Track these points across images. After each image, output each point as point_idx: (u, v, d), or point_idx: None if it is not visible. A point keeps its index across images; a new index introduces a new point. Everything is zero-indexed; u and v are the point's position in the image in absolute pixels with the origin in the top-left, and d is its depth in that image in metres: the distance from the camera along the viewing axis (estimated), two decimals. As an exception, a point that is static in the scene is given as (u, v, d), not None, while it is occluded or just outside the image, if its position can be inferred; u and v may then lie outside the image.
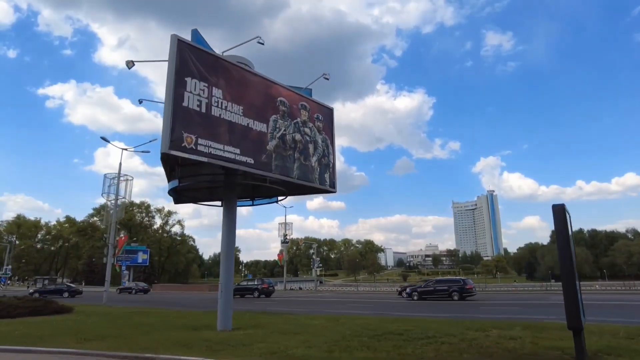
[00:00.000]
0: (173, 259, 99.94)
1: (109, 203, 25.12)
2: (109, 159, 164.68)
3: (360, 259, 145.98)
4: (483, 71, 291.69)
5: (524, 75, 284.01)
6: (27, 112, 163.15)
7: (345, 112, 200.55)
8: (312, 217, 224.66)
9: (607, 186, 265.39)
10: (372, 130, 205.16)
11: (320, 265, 68.66)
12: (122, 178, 25.36)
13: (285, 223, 46.56)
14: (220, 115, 10.13)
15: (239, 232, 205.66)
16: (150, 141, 27.64)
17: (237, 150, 10.24)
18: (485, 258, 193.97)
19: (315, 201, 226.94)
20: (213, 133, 9.86)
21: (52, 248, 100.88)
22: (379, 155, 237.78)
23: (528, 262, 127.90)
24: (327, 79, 13.24)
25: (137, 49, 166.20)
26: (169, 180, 11.73)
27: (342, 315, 14.41)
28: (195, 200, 13.61)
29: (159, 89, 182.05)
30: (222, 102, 10.23)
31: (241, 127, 10.49)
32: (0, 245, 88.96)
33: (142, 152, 26.41)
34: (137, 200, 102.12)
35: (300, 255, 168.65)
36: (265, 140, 10.98)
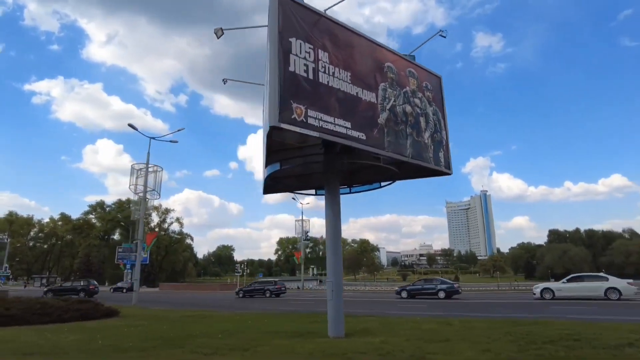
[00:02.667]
0: (171, 257, 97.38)
1: (137, 195, 23.17)
2: (98, 156, 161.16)
3: (359, 258, 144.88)
4: (473, 72, 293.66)
5: (514, 76, 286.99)
6: (13, 108, 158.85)
7: None
8: (304, 217, 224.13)
9: (594, 187, 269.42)
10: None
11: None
12: (150, 169, 23.44)
13: (303, 220, 44.92)
14: (328, 82, 8.57)
15: (229, 231, 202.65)
16: (177, 130, 25.82)
17: (348, 124, 8.66)
18: (480, 257, 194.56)
19: (305, 199, 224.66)
20: (322, 104, 8.31)
21: (45, 246, 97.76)
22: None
23: (527, 261, 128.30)
24: (444, 36, 11.67)
25: (126, 45, 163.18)
26: (265, 166, 10.04)
27: (437, 318, 12.90)
28: (288, 188, 12.00)
29: (149, 86, 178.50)
30: (329, 68, 8.66)
31: (350, 97, 8.92)
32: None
33: (171, 142, 24.43)
34: (123, 198, 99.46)
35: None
36: (375, 112, 9.39)
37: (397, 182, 11.72)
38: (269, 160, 9.89)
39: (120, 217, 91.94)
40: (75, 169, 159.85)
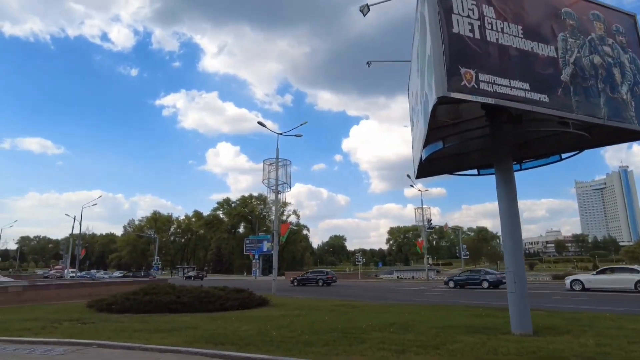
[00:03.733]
0: (290, 247, 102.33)
1: (270, 189, 24.19)
2: (218, 158, 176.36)
3: (479, 247, 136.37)
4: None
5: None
6: (149, 122, 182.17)
7: None
8: (411, 205, 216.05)
9: None
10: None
11: (467, 254, 63.41)
12: (280, 163, 24.27)
13: (423, 208, 43.16)
14: (497, 40, 7.33)
15: (338, 221, 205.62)
16: (301, 124, 26.33)
17: (526, 85, 7.30)
18: (622, 243, 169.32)
19: (412, 188, 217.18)
20: (493, 65, 7.15)
21: (182, 240, 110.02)
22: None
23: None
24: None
25: (235, 54, 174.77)
26: (424, 146, 9.14)
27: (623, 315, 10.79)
28: (441, 170, 11.03)
29: (258, 90, 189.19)
30: (496, 23, 7.41)
31: (525, 54, 7.55)
32: (143, 239, 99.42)
33: (295, 135, 24.94)
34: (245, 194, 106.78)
35: (408, 244, 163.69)
36: (557, 68, 7.82)
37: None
38: (430, 135, 8.95)
39: (245, 212, 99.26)
40: (200, 171, 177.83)
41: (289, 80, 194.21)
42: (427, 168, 10.67)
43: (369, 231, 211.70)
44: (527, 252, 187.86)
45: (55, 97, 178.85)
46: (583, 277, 23.53)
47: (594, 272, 23.70)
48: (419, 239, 47.74)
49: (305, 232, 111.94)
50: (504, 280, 26.03)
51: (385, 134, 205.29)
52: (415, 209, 45.34)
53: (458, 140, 9.20)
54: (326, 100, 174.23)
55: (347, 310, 13.11)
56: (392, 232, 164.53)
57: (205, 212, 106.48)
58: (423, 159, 9.59)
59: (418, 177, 11.30)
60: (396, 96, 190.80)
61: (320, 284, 34.73)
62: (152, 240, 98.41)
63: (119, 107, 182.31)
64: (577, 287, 22.57)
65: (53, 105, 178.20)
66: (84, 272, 46.94)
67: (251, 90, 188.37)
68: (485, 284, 27.55)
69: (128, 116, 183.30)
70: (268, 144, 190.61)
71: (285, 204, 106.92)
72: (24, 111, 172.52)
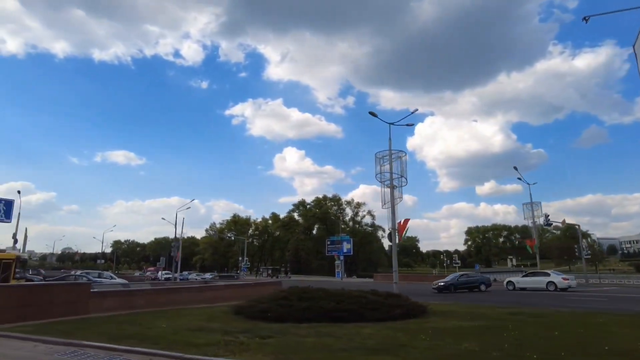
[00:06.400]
0: (366, 249, 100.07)
1: (383, 184, 22.16)
2: (285, 162, 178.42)
3: (570, 245, 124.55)
4: None
5: None
6: (219, 131, 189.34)
7: (510, 83, 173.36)
8: (484, 204, 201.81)
9: None
10: (546, 100, 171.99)
11: (589, 253, 57.05)
12: (394, 155, 22.17)
13: (532, 203, 38.75)
14: None
15: (411, 223, 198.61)
16: (413, 112, 24.14)
17: None
18: None
19: (486, 186, 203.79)
20: None
21: (258, 242, 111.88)
22: (559, 126, 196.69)
23: None
24: None
25: (297, 60, 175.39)
26: None
27: None
28: None
29: (320, 94, 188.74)
30: None
31: None
32: (224, 241, 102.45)
33: (407, 125, 22.72)
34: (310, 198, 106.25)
35: (488, 245, 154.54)
36: None
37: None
38: None
39: (319, 213, 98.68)
40: (269, 176, 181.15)
41: (351, 81, 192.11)
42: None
43: (439, 232, 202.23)
44: (626, 251, 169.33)
45: (136, 112, 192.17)
46: (514, 278, 30.84)
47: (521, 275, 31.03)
48: (531, 238, 42.96)
49: (380, 233, 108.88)
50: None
51: (452, 130, 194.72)
52: (523, 204, 40.90)
53: None
54: (389, 99, 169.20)
55: (540, 320, 10.60)
56: (470, 232, 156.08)
57: (273, 214, 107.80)
58: None
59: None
60: (463, 90, 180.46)
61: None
62: (232, 242, 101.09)
63: (193, 118, 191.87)
64: (510, 287, 29.23)
65: (135, 120, 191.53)
66: (177, 274, 48.04)
67: (314, 94, 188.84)
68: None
69: (201, 127, 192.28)
70: (332, 147, 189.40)
71: (359, 205, 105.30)
72: (111, 127, 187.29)
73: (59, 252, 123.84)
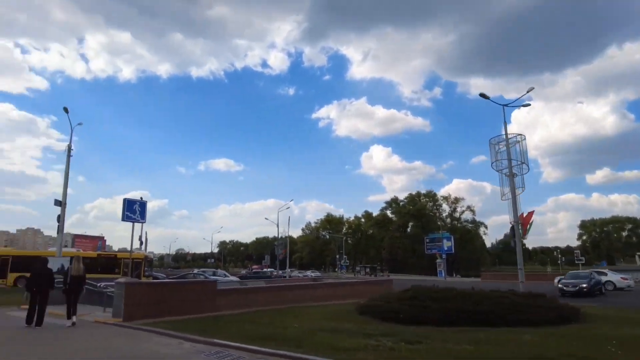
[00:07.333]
0: (467, 247, 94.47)
1: (500, 172, 20.06)
2: (372, 161, 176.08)
3: None
4: None
5: None
6: (307, 134, 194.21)
7: (623, 57, 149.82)
8: (597, 194, 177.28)
9: None
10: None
11: None
12: (511, 140, 19.96)
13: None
14: None
15: (506, 217, 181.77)
16: (528, 90, 21.51)
17: None
18: None
19: (598, 174, 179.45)
20: None
21: (352, 240, 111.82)
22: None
23: None
24: None
25: (379, 57, 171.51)
26: None
27: None
28: None
29: (405, 89, 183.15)
30: None
31: None
32: (320, 240, 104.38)
33: (523, 105, 20.34)
34: (410, 193, 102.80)
35: (608, 239, 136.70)
36: None
37: None
38: None
39: (414, 210, 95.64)
40: (357, 175, 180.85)
41: (437, 72, 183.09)
42: None
43: (545, 227, 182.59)
44: None
45: (232, 122, 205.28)
46: None
47: None
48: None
49: (482, 229, 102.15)
50: None
51: (554, 115, 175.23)
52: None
53: None
54: (479, 87, 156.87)
55: None
56: (585, 226, 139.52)
57: (366, 212, 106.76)
58: None
59: None
60: (564, 69, 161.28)
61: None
62: (327, 240, 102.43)
63: (282, 124, 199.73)
64: None
65: (231, 130, 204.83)
66: (281, 272, 49.57)
67: (398, 90, 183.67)
68: None
69: (290, 132, 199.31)
70: (420, 141, 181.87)
71: (457, 200, 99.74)
72: (211, 138, 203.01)
73: (174, 253, 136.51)
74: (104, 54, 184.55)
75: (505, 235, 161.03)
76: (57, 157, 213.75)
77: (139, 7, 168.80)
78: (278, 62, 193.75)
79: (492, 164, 20.63)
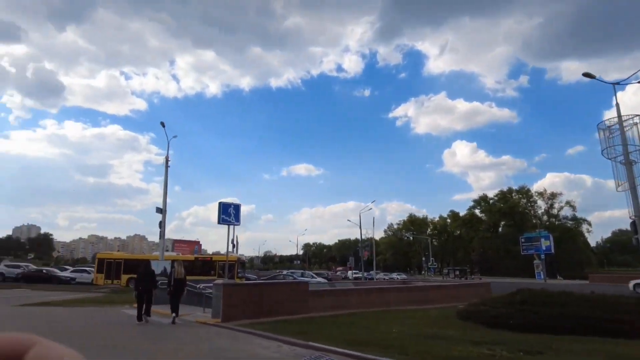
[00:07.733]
0: (567, 246, 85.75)
1: (615, 162, 17.71)
2: (455, 157, 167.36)
3: None
4: None
5: None
6: (385, 135, 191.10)
7: None
8: None
9: None
10: None
11: None
12: (627, 123, 17.52)
13: None
14: None
15: (612, 212, 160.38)
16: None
17: None
18: None
19: None
20: None
21: (437, 242, 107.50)
22: None
23: None
24: None
25: (457, 49, 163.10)
26: None
27: None
28: None
29: (487, 80, 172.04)
30: None
31: None
32: (404, 241, 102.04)
33: (639, 82, 17.55)
34: (501, 189, 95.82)
35: None
36: None
37: None
38: None
39: (505, 208, 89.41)
40: (439, 173, 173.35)
41: (522, 59, 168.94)
42: None
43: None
44: None
45: (310, 128, 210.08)
46: None
47: None
48: None
49: (585, 227, 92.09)
50: None
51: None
52: None
53: None
54: (572, 70, 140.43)
55: None
56: None
57: (452, 211, 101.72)
58: None
59: None
60: None
61: None
62: (411, 242, 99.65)
63: (359, 126, 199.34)
64: None
65: (310, 136, 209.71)
66: (366, 274, 49.04)
67: (480, 81, 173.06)
68: None
69: (368, 133, 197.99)
70: (507, 134, 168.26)
71: (554, 195, 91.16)
72: (291, 144, 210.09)
73: (262, 255, 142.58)
74: (192, 72, 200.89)
75: (613, 233, 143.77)
76: (156, 169, 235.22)
77: (220, 26, 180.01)
78: (352, 64, 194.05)
79: (602, 151, 18.34)
